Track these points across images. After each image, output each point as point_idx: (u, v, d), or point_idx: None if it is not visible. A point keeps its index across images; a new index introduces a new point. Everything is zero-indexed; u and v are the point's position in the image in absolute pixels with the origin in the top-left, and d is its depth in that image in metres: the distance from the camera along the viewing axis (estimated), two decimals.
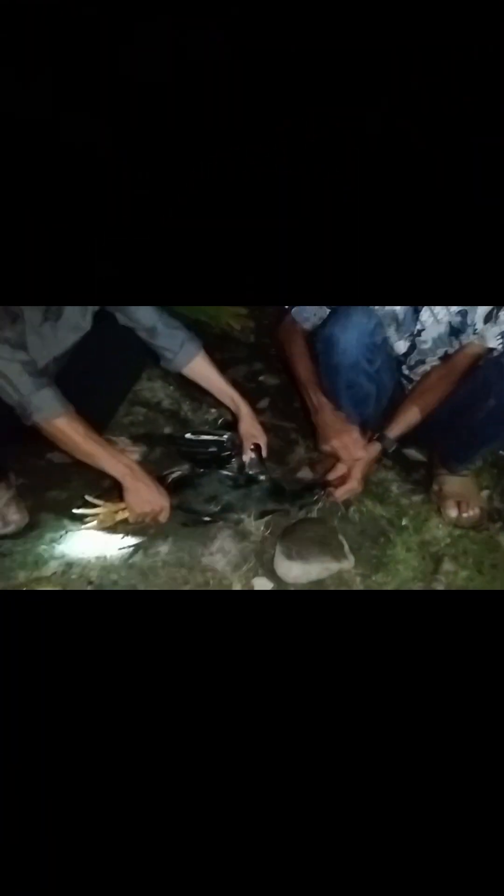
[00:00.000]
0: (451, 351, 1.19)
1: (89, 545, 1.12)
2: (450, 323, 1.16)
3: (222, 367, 1.22)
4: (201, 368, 1.16)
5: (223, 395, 1.18)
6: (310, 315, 1.23)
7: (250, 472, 1.18)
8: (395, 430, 1.16)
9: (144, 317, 1.11)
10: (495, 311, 1.11)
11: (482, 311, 1.13)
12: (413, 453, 1.47)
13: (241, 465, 1.18)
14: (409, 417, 1.16)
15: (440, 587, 1.06)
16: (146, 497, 1.04)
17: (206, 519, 1.15)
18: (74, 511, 1.11)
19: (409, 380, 1.26)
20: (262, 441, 1.17)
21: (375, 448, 1.16)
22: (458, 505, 1.20)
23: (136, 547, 1.11)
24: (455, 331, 1.17)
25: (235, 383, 1.20)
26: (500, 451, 1.49)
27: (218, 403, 1.46)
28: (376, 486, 1.31)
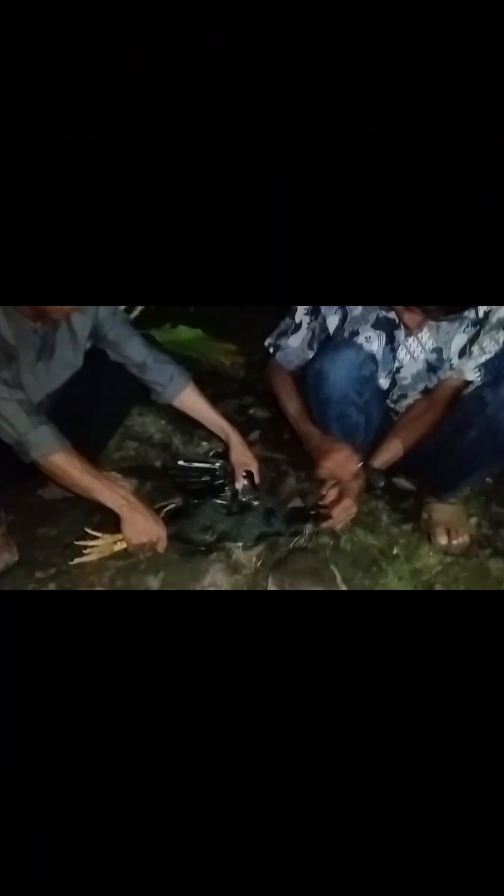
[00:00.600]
0: (430, 385, 1.23)
1: (78, 582, 1.11)
2: (426, 360, 1.21)
3: (213, 401, 1.26)
4: (191, 400, 1.18)
5: (214, 426, 1.20)
6: (293, 358, 1.28)
7: (244, 499, 1.19)
8: (378, 460, 1.19)
9: (135, 353, 1.14)
10: (468, 346, 1.16)
11: (456, 346, 1.18)
12: (402, 482, 1.49)
13: (235, 493, 1.20)
14: (392, 449, 1.19)
15: None
16: (143, 528, 1.05)
17: (203, 549, 1.14)
18: (74, 542, 1.11)
19: (395, 412, 1.30)
20: (254, 468, 1.19)
21: (361, 475, 1.18)
22: (448, 532, 1.21)
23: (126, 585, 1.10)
24: (432, 367, 1.22)
25: (226, 416, 1.23)
26: (487, 479, 1.52)
27: (209, 435, 1.49)
28: (367, 516, 1.31)
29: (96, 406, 1.23)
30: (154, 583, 1.11)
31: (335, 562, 1.15)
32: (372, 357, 1.19)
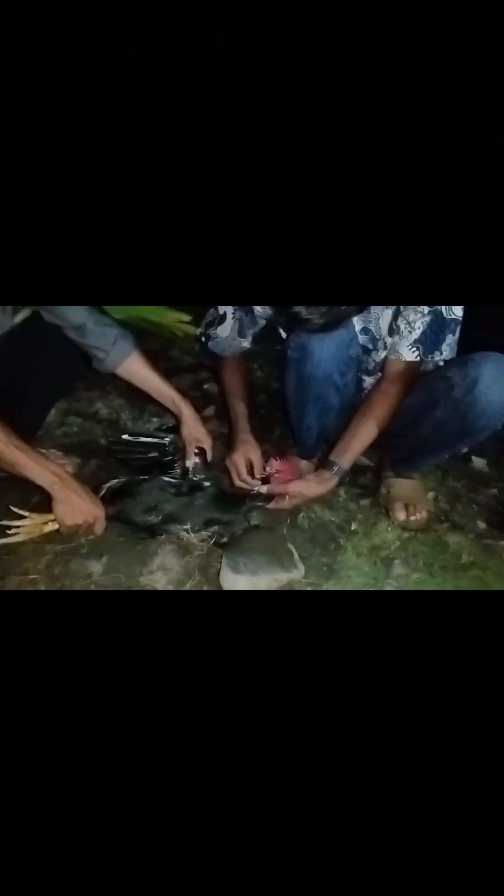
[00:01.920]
0: (369, 367, 1.19)
1: (11, 568, 1.00)
2: (359, 343, 1.15)
3: (167, 375, 1.15)
4: (137, 367, 1.08)
5: (163, 397, 1.11)
6: (225, 347, 1.21)
7: (195, 478, 1.11)
8: (346, 460, 1.11)
9: (72, 314, 1.03)
10: (393, 322, 1.08)
11: (384, 324, 1.10)
12: (360, 458, 1.46)
13: (185, 471, 1.11)
14: (356, 447, 1.11)
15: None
16: (78, 507, 0.95)
17: (144, 535, 1.07)
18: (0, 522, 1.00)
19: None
20: (207, 445, 1.10)
21: (332, 482, 1.11)
22: (407, 507, 1.19)
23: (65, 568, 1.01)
24: (365, 349, 1.16)
25: (180, 391, 1.14)
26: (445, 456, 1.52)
27: (160, 411, 1.39)
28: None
29: (31, 376, 1.10)
30: (97, 567, 1.02)
31: (292, 539, 1.10)
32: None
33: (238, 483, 1.11)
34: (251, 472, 1.11)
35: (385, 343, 1.13)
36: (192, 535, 1.08)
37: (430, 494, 1.28)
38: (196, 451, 1.10)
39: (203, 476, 1.12)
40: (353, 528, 1.16)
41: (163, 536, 1.07)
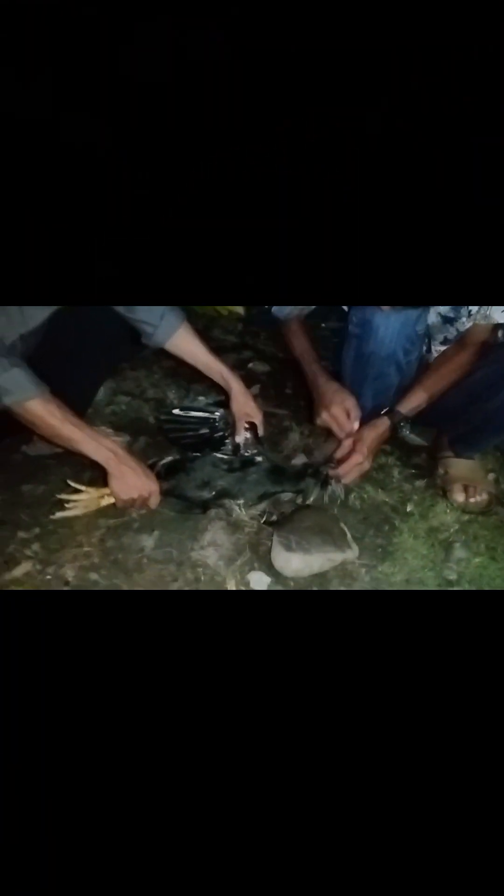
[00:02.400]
0: (450, 336, 1.12)
1: (66, 542, 1.02)
2: (438, 313, 1.10)
3: None
4: (186, 342, 1.06)
5: (212, 371, 1.08)
6: (287, 311, 1.17)
7: (246, 454, 1.08)
8: (405, 406, 1.07)
9: None
10: None
11: None
12: (413, 437, 1.40)
13: (236, 447, 1.08)
14: (420, 395, 1.07)
15: (452, 576, 0.98)
16: (133, 482, 0.95)
17: (198, 510, 1.06)
18: (57, 496, 1.01)
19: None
20: (258, 419, 1.07)
21: (384, 423, 1.06)
22: (466, 489, 1.13)
23: (119, 543, 1.01)
24: (447, 318, 1.10)
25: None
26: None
27: (207, 389, 1.37)
28: (377, 472, 1.22)
29: (79, 355, 1.10)
30: (148, 542, 1.02)
31: (344, 519, 1.07)
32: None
33: (344, 436, 1.06)
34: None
35: (469, 312, 1.07)
36: (243, 511, 1.06)
37: (491, 476, 1.21)
38: (246, 426, 1.08)
39: (255, 451, 1.09)
40: (408, 510, 1.11)
41: (213, 512, 1.06)
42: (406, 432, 1.12)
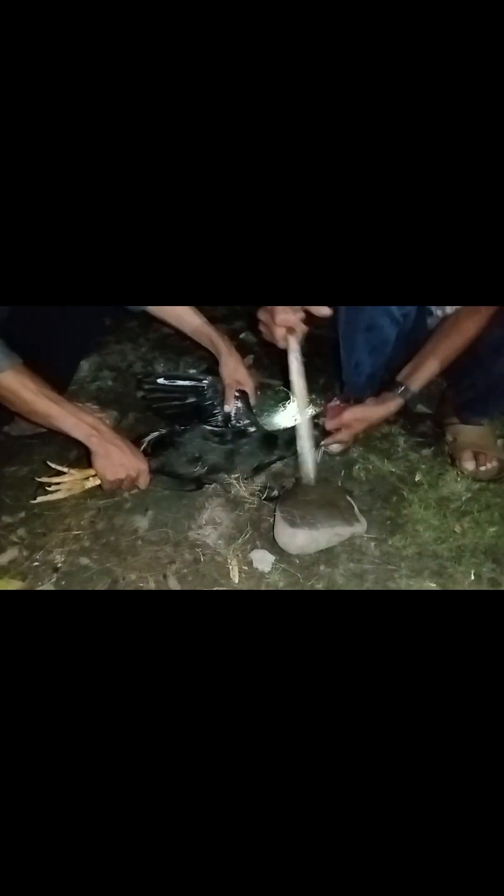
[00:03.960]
0: None
1: (53, 525, 0.95)
2: None
3: None
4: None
5: (200, 335, 1.00)
6: None
7: (238, 424, 1.00)
8: (416, 382, 0.99)
9: None
10: None
11: None
12: (418, 406, 1.34)
13: (227, 417, 1.01)
14: (430, 367, 0.99)
15: (465, 542, 0.92)
16: (119, 460, 0.88)
17: (191, 486, 0.99)
18: (38, 480, 0.93)
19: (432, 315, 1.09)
20: (249, 387, 1.00)
21: (396, 403, 0.99)
22: (476, 456, 1.07)
23: (110, 524, 0.94)
24: None
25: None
26: None
27: (198, 359, 1.29)
28: (381, 441, 1.16)
29: (56, 323, 1.02)
30: (142, 522, 0.95)
31: (350, 491, 1.00)
32: None
33: (277, 331, 0.92)
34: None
35: None
36: (242, 486, 0.99)
37: (500, 442, 1.16)
38: (237, 394, 1.00)
39: (247, 421, 1.01)
40: (416, 480, 1.05)
41: (210, 487, 1.00)
42: (417, 405, 1.05)
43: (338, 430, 0.99)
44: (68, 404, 0.85)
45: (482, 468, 1.07)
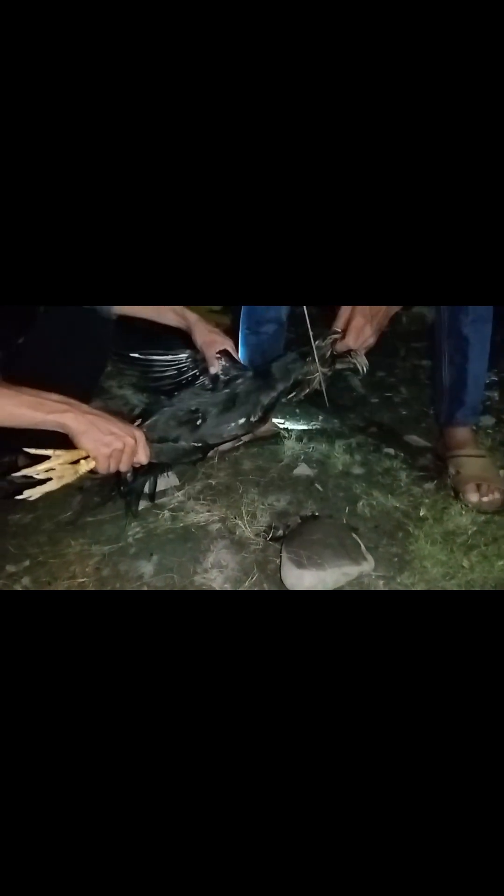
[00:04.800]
0: None
1: (58, 573, 0.94)
2: None
3: None
4: None
5: (165, 316, 0.97)
6: None
7: (229, 377, 0.94)
8: None
9: None
10: None
11: None
12: (415, 439, 1.36)
13: (215, 378, 0.94)
14: None
15: (474, 577, 0.91)
16: (106, 429, 0.75)
17: (198, 455, 0.89)
18: (14, 476, 0.77)
19: None
20: (228, 344, 0.95)
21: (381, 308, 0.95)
22: (479, 487, 1.07)
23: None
24: None
25: None
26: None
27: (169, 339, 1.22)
28: (383, 476, 1.17)
29: (59, 366, 1.03)
30: (147, 567, 0.94)
31: (355, 528, 1.00)
32: None
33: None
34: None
35: None
36: (248, 528, 0.99)
37: (502, 472, 1.16)
38: (217, 354, 0.94)
39: (238, 372, 0.94)
40: (421, 514, 1.05)
41: (215, 529, 0.99)
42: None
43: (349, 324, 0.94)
44: (25, 389, 0.72)
45: (485, 499, 1.07)
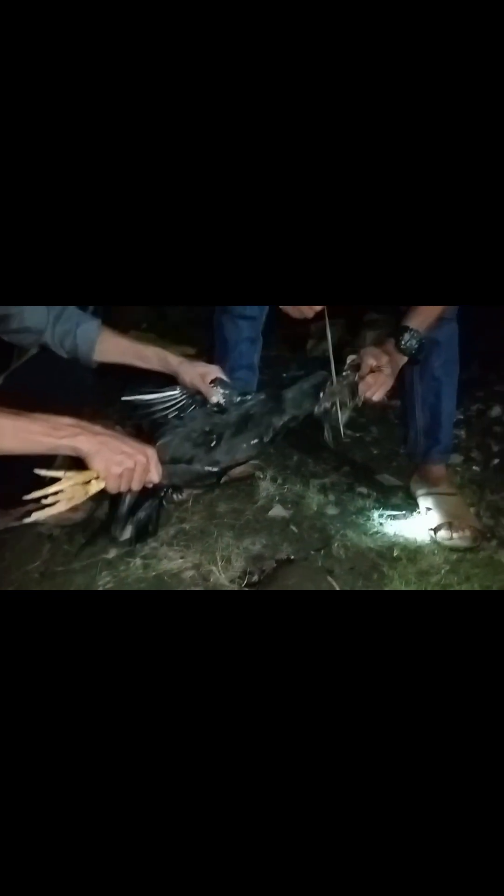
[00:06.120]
0: None
1: None
2: None
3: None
4: (112, 344, 0.95)
5: (148, 360, 0.96)
6: None
7: (235, 401, 0.91)
8: (415, 321, 0.96)
9: (36, 321, 0.92)
10: None
11: None
12: (387, 477, 1.38)
13: (219, 406, 0.91)
14: (427, 309, 0.96)
15: None
16: (118, 448, 0.73)
17: (212, 479, 0.87)
18: (26, 498, 0.75)
19: None
20: (216, 371, 0.94)
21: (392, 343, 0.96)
22: (451, 525, 1.09)
23: None
24: None
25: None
26: (475, 468, 1.44)
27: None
28: (357, 516, 1.18)
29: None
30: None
31: (331, 570, 1.00)
32: None
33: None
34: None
35: None
36: (222, 574, 0.97)
37: (472, 510, 1.18)
38: (211, 383, 0.93)
39: (240, 397, 0.91)
40: (395, 555, 1.06)
41: (188, 576, 0.97)
42: (413, 343, 0.98)
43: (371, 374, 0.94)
44: (36, 414, 0.71)
45: (456, 535, 1.08)
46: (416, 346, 0.98)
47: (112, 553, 1.01)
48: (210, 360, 1.17)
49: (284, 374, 0.98)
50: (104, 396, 1.05)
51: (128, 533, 0.90)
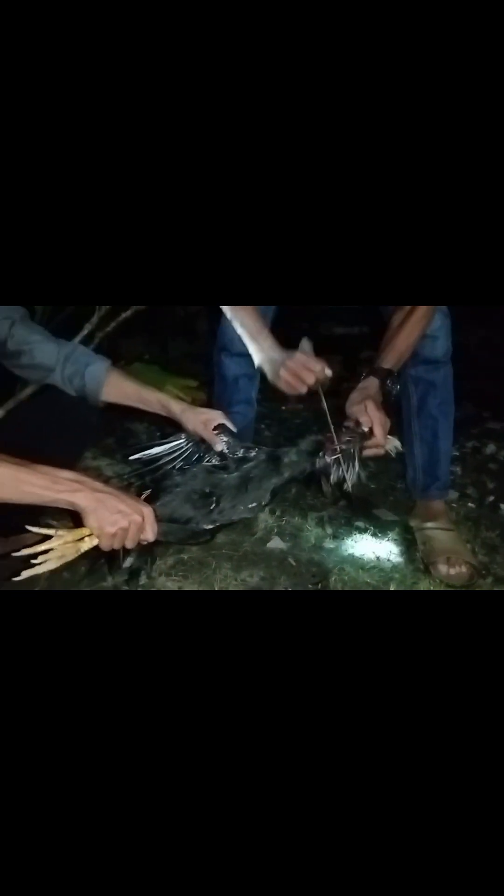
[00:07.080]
0: None
1: None
2: None
3: None
4: (119, 386, 0.98)
5: (150, 404, 0.98)
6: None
7: (238, 454, 0.92)
8: (388, 361, 0.98)
9: (46, 357, 0.95)
10: None
11: None
12: (384, 512, 1.39)
13: (222, 455, 0.93)
14: (399, 347, 0.99)
15: None
16: (115, 507, 0.74)
17: (206, 536, 0.88)
18: (20, 553, 0.74)
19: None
20: (221, 418, 0.95)
21: (372, 384, 0.96)
22: (448, 560, 1.10)
23: None
24: None
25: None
26: (470, 504, 1.45)
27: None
28: (354, 550, 1.18)
29: (41, 448, 1.04)
30: None
31: None
32: None
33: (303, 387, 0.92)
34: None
35: None
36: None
37: (469, 546, 1.20)
38: (215, 430, 0.94)
39: (242, 449, 0.93)
40: (391, 589, 1.06)
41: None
42: (396, 389, 1.01)
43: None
44: (39, 466, 0.71)
45: (453, 571, 1.09)
46: (398, 386, 1.03)
47: (110, 581, 1.01)
48: (210, 394, 1.20)
49: (283, 407, 1.01)
50: (106, 425, 1.07)
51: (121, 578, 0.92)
